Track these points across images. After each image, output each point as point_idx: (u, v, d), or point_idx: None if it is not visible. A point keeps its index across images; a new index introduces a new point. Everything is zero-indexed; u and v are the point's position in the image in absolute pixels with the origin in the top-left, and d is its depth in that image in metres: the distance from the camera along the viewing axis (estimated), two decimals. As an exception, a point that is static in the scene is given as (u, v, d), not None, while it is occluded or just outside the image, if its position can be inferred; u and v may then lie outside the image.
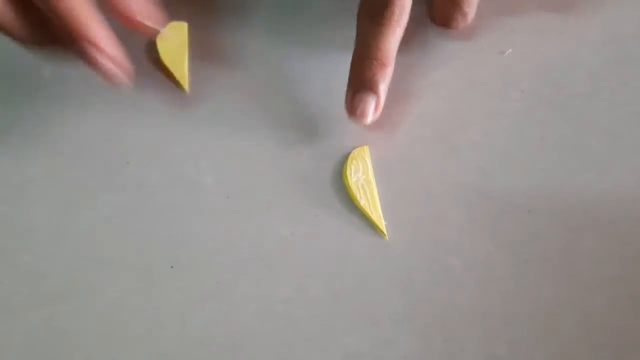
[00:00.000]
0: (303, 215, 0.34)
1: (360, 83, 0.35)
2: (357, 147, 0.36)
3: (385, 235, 0.33)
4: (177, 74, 0.39)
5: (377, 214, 0.34)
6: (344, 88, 0.35)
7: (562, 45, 0.37)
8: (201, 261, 0.32)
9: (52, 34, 0.34)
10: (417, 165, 0.35)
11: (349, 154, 0.35)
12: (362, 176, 0.35)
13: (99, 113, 0.38)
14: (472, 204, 0.34)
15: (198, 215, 0.34)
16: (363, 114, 0.34)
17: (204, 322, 0.30)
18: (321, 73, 0.38)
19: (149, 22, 0.36)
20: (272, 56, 0.39)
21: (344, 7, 0.40)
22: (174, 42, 0.40)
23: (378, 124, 0.35)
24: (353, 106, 0.35)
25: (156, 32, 0.38)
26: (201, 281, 0.32)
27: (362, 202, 0.34)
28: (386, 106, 0.34)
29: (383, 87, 0.35)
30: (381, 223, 0.33)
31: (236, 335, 0.30)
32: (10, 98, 0.38)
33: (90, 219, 0.34)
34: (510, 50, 0.37)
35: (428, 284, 0.31)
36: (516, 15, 0.37)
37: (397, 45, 0.35)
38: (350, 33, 0.35)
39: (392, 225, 0.33)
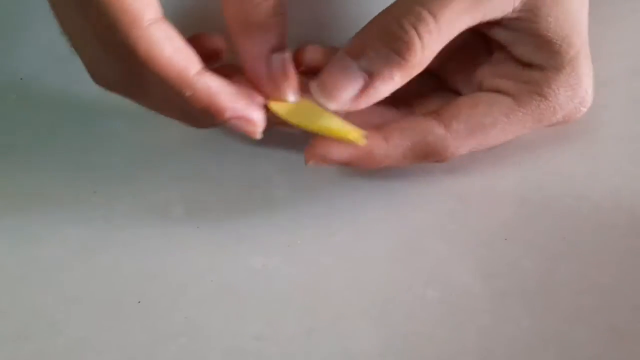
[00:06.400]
0: (275, 246, 0.33)
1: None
2: None
3: None
4: None
5: None
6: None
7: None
8: (169, 296, 0.31)
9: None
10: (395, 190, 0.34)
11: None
12: None
13: (67, 140, 0.37)
14: (450, 232, 0.33)
15: (167, 247, 0.33)
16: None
17: (172, 360, 0.29)
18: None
19: None
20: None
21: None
22: None
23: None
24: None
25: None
26: (169, 317, 0.30)
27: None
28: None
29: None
30: None
31: (205, 374, 0.29)
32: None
33: (55, 254, 0.32)
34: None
35: (404, 318, 0.30)
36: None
37: None
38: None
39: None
